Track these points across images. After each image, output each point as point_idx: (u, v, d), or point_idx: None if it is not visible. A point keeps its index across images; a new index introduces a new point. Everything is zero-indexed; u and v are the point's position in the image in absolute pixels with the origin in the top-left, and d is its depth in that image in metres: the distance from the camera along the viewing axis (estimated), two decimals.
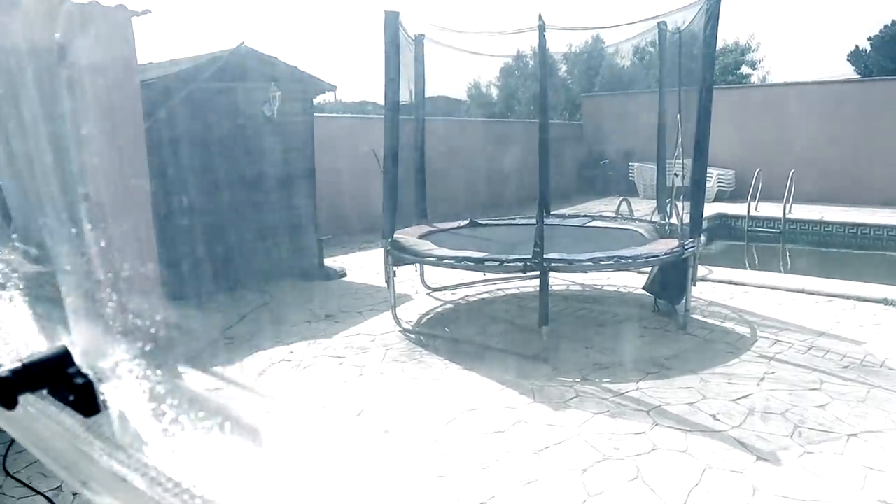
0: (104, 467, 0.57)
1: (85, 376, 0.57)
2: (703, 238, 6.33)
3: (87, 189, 4.21)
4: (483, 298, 7.52)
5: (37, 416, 0.62)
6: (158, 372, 0.63)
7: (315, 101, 9.39)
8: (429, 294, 7.70)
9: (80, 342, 0.63)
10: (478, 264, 5.93)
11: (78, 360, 0.58)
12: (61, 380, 0.57)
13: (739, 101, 17.38)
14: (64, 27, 4.41)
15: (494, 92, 28.08)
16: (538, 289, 5.73)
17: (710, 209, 12.97)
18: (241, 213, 8.22)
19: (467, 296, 7.64)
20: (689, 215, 6.18)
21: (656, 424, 4.27)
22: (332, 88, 9.61)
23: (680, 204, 6.77)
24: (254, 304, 7.61)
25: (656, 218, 8.16)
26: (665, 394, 4.77)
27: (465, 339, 6.11)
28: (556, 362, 5.47)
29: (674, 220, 7.32)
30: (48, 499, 3.73)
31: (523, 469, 3.85)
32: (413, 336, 6.28)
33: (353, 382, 5.19)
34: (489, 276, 7.94)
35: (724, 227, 13.80)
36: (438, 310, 7.16)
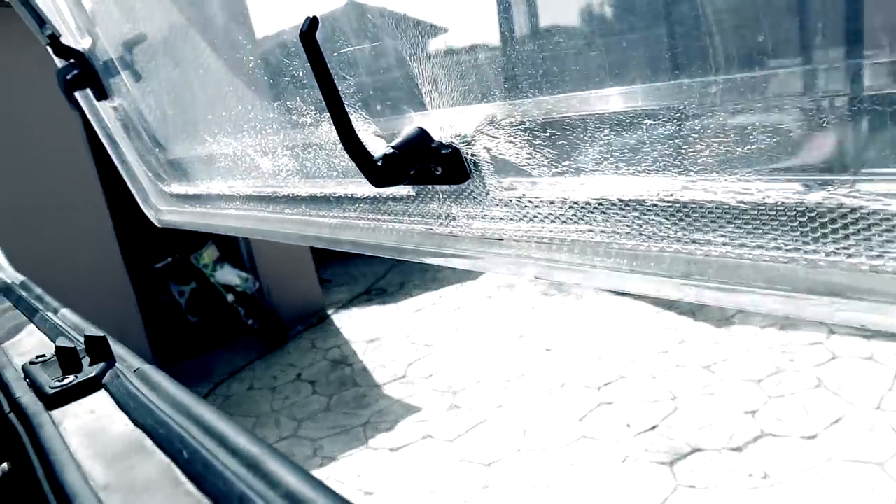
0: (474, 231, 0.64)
1: (450, 146, 0.60)
2: None
3: None
4: None
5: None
6: None
7: None
8: None
9: None
10: None
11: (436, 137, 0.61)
12: (428, 154, 0.60)
13: None
14: None
15: None
16: None
17: None
18: None
19: None
20: None
21: (832, 332, 4.00)
22: None
23: None
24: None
25: None
26: None
27: None
28: None
29: None
30: None
31: (696, 380, 3.75)
32: None
33: (506, 317, 5.24)
34: None
35: None
36: None
